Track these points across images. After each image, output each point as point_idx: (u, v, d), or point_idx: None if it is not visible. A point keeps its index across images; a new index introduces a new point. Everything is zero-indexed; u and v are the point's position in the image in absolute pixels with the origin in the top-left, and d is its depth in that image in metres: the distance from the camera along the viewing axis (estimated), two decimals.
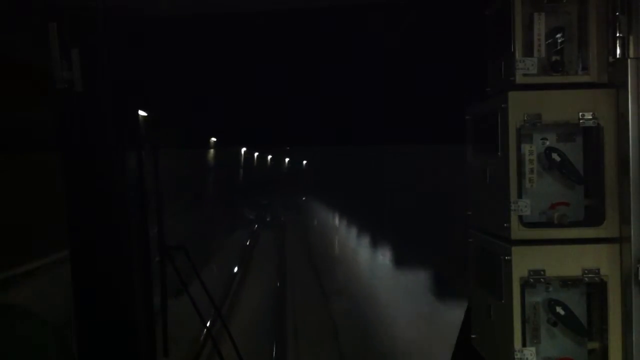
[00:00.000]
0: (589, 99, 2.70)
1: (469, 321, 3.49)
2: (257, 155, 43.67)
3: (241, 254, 24.00)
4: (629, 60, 2.62)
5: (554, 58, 2.75)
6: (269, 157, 48.29)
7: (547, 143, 2.76)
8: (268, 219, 32.66)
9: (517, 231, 2.71)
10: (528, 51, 2.73)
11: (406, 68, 4.90)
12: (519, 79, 2.72)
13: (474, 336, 3.32)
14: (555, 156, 2.73)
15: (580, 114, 2.69)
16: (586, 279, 2.71)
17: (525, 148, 2.72)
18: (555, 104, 2.71)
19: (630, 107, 2.61)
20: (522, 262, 2.72)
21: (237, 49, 4.77)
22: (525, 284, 2.72)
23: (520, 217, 2.71)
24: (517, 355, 2.69)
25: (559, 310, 2.72)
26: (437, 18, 4.04)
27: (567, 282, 2.75)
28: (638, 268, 2.60)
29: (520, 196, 2.71)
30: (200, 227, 19.39)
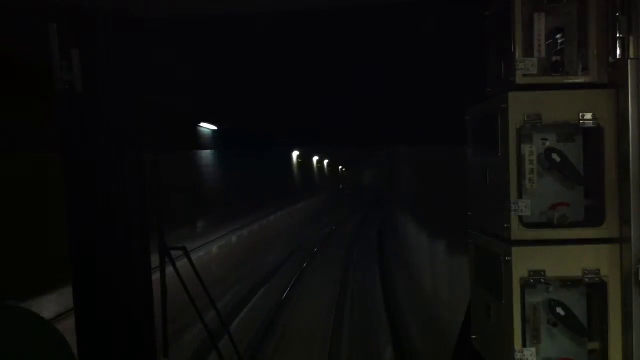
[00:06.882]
0: (589, 99, 2.69)
1: (469, 322, 3.48)
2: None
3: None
4: (629, 61, 2.61)
5: (554, 58, 2.74)
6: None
7: (547, 143, 2.76)
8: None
9: (517, 232, 2.71)
10: (528, 51, 2.72)
11: (406, 68, 4.90)
12: (519, 79, 2.71)
13: (474, 337, 3.31)
14: (555, 156, 2.72)
15: (581, 114, 2.68)
16: (586, 279, 2.70)
17: (526, 148, 2.71)
18: (555, 105, 2.70)
19: (631, 108, 2.60)
20: (522, 262, 2.71)
21: (236, 49, 4.77)
22: (525, 285, 2.72)
23: (521, 218, 2.70)
24: (518, 356, 2.69)
25: (559, 310, 2.72)
26: (437, 18, 4.04)
27: (567, 283, 2.75)
28: (638, 269, 2.59)
29: (520, 197, 2.70)
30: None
